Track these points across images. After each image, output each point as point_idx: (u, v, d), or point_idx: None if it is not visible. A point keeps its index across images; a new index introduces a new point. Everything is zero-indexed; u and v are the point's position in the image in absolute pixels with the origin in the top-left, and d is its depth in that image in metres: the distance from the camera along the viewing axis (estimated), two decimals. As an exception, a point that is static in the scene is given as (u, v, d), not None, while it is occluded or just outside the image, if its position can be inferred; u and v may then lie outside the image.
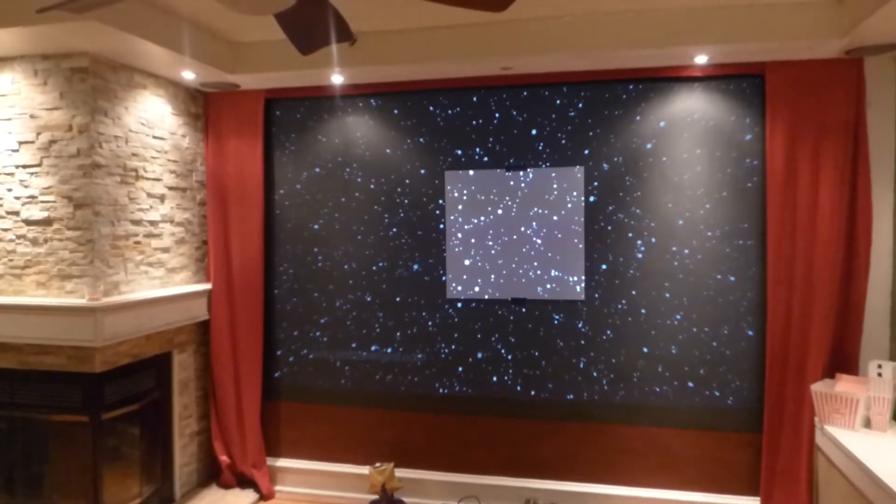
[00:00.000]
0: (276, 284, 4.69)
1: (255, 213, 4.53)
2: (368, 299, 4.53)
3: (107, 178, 3.72)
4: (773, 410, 3.86)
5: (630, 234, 4.12)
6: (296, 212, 4.64)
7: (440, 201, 4.39)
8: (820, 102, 3.73)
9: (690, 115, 4.00)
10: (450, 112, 4.36)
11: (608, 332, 4.17)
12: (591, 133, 4.16)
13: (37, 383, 3.72)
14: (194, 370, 4.56)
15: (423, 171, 4.41)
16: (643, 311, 4.11)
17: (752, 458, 3.98)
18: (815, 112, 3.74)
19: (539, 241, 4.23)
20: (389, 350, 4.50)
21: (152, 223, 4.11)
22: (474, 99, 4.32)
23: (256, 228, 4.53)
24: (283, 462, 4.68)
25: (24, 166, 3.69)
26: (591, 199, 4.17)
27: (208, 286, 4.53)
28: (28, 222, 3.70)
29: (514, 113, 4.26)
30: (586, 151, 4.16)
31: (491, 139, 4.30)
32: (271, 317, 4.71)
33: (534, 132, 4.24)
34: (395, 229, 4.47)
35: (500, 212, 4.28)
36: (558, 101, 4.20)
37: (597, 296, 4.18)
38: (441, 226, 4.38)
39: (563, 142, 4.20)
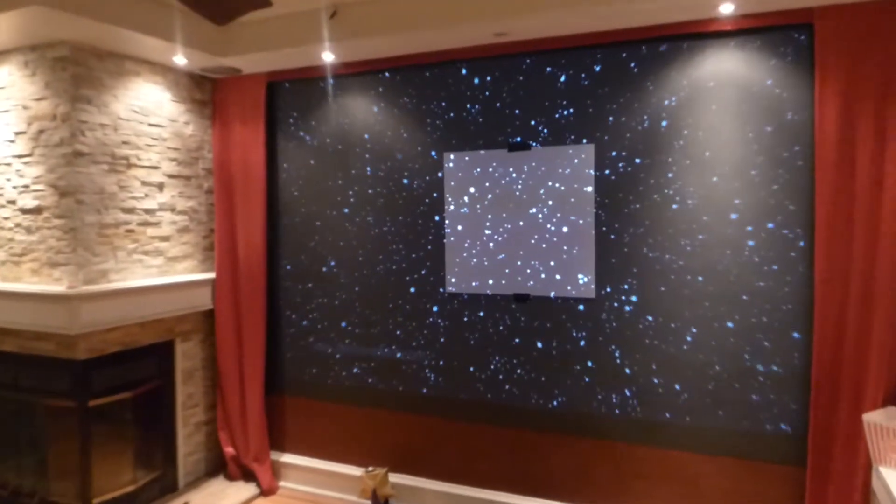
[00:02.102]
0: (281, 275, 4.55)
1: (257, 201, 4.40)
2: (366, 292, 4.25)
3: (91, 167, 3.72)
4: (820, 440, 3.12)
5: (648, 224, 3.51)
6: (299, 199, 4.45)
7: (439, 186, 4.00)
8: (884, 55, 2.93)
9: (719, 79, 3.31)
10: (448, 88, 3.95)
11: (623, 336, 3.59)
12: (601, 105, 3.58)
13: (34, 368, 3.82)
14: (201, 359, 4.53)
15: (420, 153, 4.04)
16: (664, 313, 3.50)
17: (793, 497, 3.26)
18: (878, 67, 2.94)
19: (544, 232, 3.73)
20: (389, 348, 4.20)
21: (148, 211, 4.09)
22: (470, 72, 3.88)
23: (258, 216, 4.40)
24: (287, 458, 4.55)
25: (19, 156, 3.78)
26: (602, 182, 3.60)
27: (211, 275, 4.47)
28: (23, 211, 3.79)
29: (515, 86, 3.77)
30: (597, 127, 3.60)
31: (491, 116, 3.84)
32: (276, 308, 4.57)
33: (538, 106, 3.73)
34: (392, 217, 4.14)
35: (500, 197, 3.82)
36: (563, 70, 3.66)
37: (609, 294, 3.62)
38: (439, 212, 4.00)
39: (571, 116, 3.66)
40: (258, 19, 3.91)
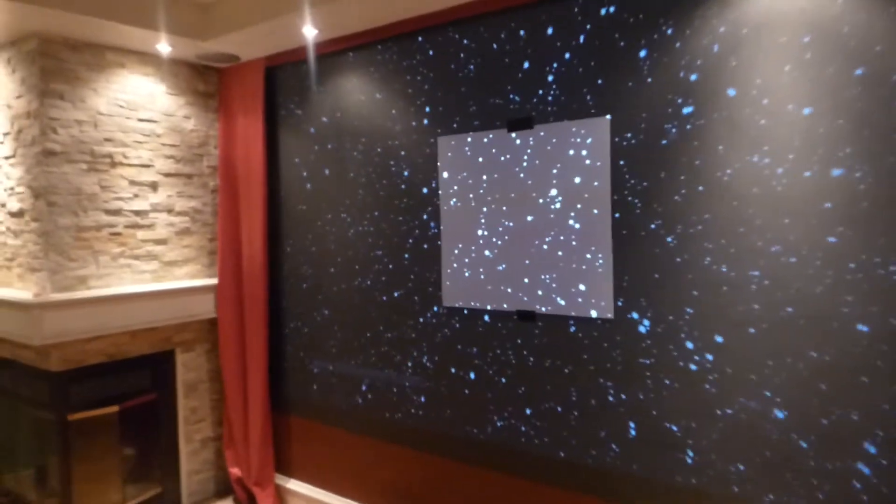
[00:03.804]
0: (284, 282, 4.09)
1: (258, 198, 3.99)
2: (363, 305, 3.65)
3: (65, 166, 3.49)
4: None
5: (683, 222, 2.57)
6: (301, 196, 3.96)
7: (427, 173, 3.31)
8: None
9: (774, 20, 2.31)
10: (438, 58, 3.24)
11: (647, 373, 2.68)
12: (620, 65, 2.69)
13: (24, 377, 3.69)
14: (207, 371, 4.21)
15: (413, 137, 3.38)
16: (705, 344, 2.54)
17: None
18: None
19: (553, 233, 2.91)
20: (383, 375, 3.57)
21: (138, 213, 3.82)
22: (462, 36, 3.14)
23: (259, 216, 3.99)
24: (293, 484, 4.09)
25: (7, 157, 3.66)
26: (622, 164, 2.71)
27: (213, 281, 4.13)
28: (11, 214, 3.67)
29: (515, 47, 2.98)
30: (614, 93, 2.71)
31: (487, 88, 3.08)
32: (281, 318, 4.13)
33: (542, 73, 2.91)
34: (384, 214, 3.51)
35: (500, 188, 3.06)
36: (570, 24, 2.81)
37: (634, 316, 2.72)
38: (431, 208, 3.30)
39: (581, 81, 2.80)
40: (236, -4, 3.50)
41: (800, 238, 2.31)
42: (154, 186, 3.90)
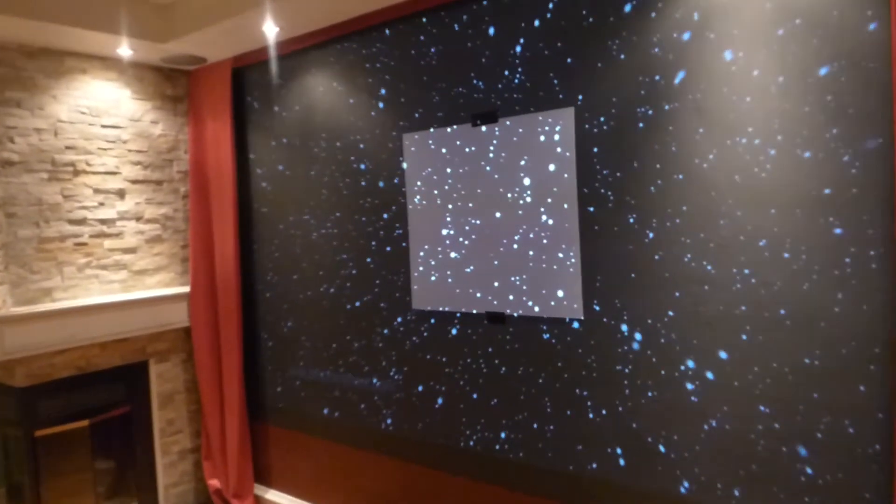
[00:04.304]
0: (260, 288, 3.97)
1: (228, 203, 3.87)
2: (330, 313, 3.53)
3: (24, 176, 3.39)
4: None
5: (659, 216, 2.41)
6: (266, 198, 3.84)
7: (397, 172, 3.17)
8: None
9: (748, -15, 2.16)
10: (401, 52, 3.11)
11: (625, 381, 2.53)
12: (589, 42, 2.54)
13: (-6, 393, 3.62)
14: (183, 382, 4.11)
15: (377, 132, 3.24)
16: (686, 348, 2.38)
17: None
18: None
19: (522, 230, 2.75)
20: (358, 382, 3.44)
21: (104, 222, 3.72)
22: (427, 28, 3.01)
23: (230, 220, 3.87)
24: (273, 495, 3.97)
25: (-33, 169, 3.58)
26: (595, 151, 2.56)
27: (186, 289, 4.01)
28: (-27, 227, 3.58)
29: (476, 30, 2.84)
30: (584, 74, 2.56)
31: (450, 75, 2.95)
32: (256, 326, 4.01)
33: (506, 56, 2.76)
34: (349, 215, 3.38)
35: (466, 184, 2.91)
36: (533, 11, 2.66)
37: (609, 319, 2.56)
38: (395, 207, 3.16)
39: (548, 63, 2.65)
40: (194, -5, 3.38)
41: (786, 230, 2.15)
42: (121, 194, 3.79)
